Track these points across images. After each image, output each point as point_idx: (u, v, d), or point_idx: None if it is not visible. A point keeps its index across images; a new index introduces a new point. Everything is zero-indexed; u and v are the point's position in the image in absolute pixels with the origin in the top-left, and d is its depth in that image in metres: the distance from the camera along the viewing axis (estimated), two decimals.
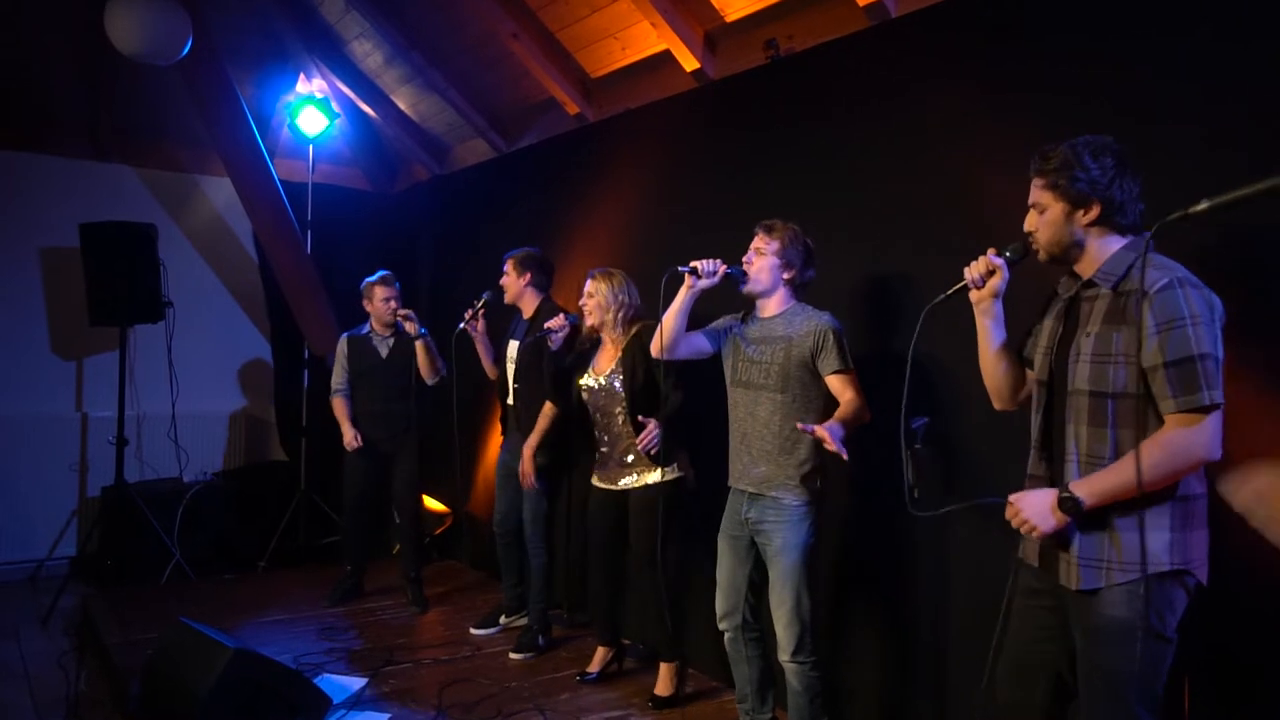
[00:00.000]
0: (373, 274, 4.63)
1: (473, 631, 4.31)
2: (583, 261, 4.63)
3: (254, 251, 6.11)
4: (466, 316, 4.09)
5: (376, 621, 4.48)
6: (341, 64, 5.71)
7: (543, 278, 4.13)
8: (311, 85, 6.00)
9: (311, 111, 5.78)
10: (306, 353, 6.00)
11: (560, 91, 4.57)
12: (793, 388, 2.79)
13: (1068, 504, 1.86)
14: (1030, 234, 2.02)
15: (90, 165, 5.61)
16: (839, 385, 2.78)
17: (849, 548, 3.17)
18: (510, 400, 4.12)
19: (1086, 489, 1.84)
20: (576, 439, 3.93)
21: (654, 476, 3.43)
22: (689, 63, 3.85)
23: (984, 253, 2.11)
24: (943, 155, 2.91)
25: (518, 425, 4.04)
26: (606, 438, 3.56)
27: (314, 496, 5.82)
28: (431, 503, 5.75)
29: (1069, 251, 1.97)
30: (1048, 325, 2.08)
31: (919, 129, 2.99)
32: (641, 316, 3.56)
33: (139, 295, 5.04)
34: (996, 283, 2.10)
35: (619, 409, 3.50)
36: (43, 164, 5.45)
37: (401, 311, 4.50)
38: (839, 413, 2.72)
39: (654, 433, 3.35)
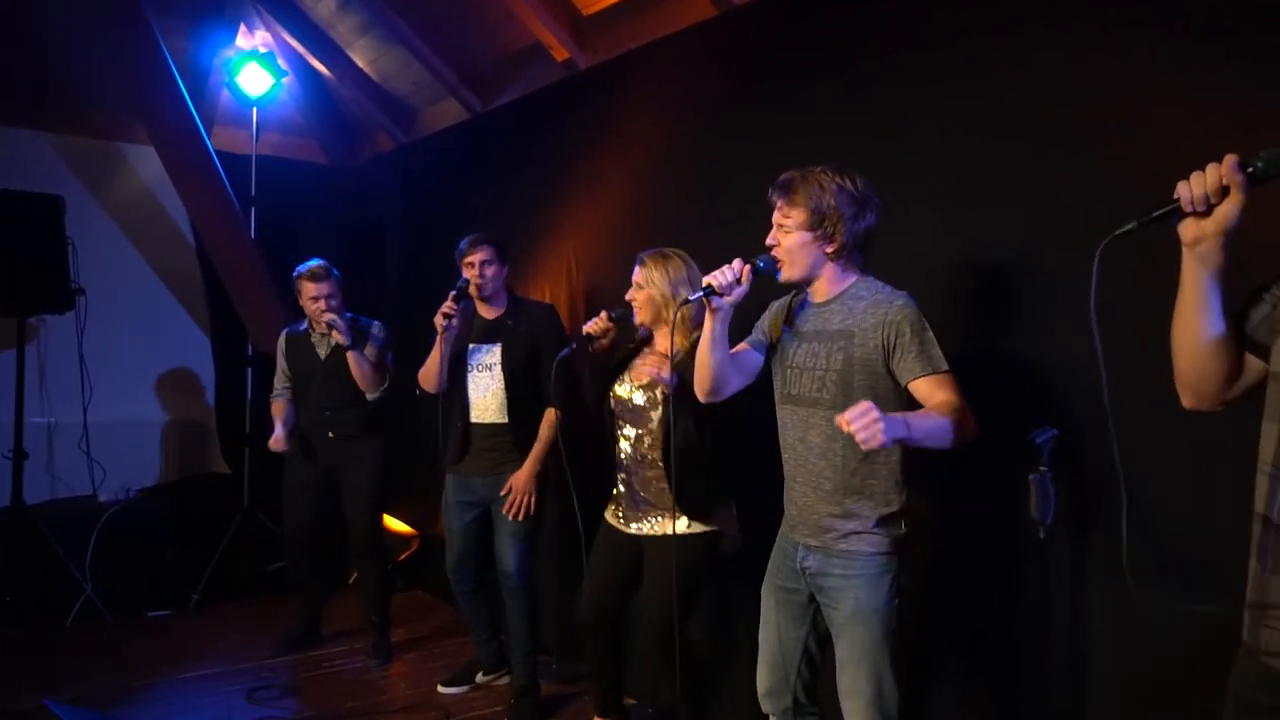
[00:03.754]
0: (305, 263, 3.82)
1: (441, 690, 3.53)
2: (574, 239, 3.88)
3: (191, 234, 5.30)
4: (449, 310, 3.16)
5: (325, 676, 3.70)
6: (288, 12, 4.94)
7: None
8: (254, 39, 5.22)
9: (254, 69, 4.98)
10: (251, 349, 5.23)
11: (547, 33, 3.81)
12: (855, 402, 2.00)
13: None
14: None
15: None
16: (927, 390, 1.97)
17: (942, 608, 2.39)
18: (475, 419, 3.32)
19: None
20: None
21: (679, 525, 2.58)
22: None
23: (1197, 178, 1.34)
24: (1075, 93, 2.15)
25: (515, 445, 3.24)
26: (628, 463, 2.76)
27: (260, 515, 5.01)
28: (394, 523, 4.97)
29: None
30: None
31: (1037, 54, 2.22)
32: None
33: (41, 280, 4.26)
34: (1230, 210, 1.32)
35: (646, 431, 2.71)
36: None
37: (325, 317, 3.67)
38: (923, 410, 1.93)
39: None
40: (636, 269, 2.74)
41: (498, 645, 3.55)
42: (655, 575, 2.66)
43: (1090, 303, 1.42)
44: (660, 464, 2.64)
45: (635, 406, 2.74)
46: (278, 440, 3.78)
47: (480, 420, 3.31)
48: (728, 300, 2.01)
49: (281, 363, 3.96)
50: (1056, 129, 2.17)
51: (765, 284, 2.10)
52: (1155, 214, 1.39)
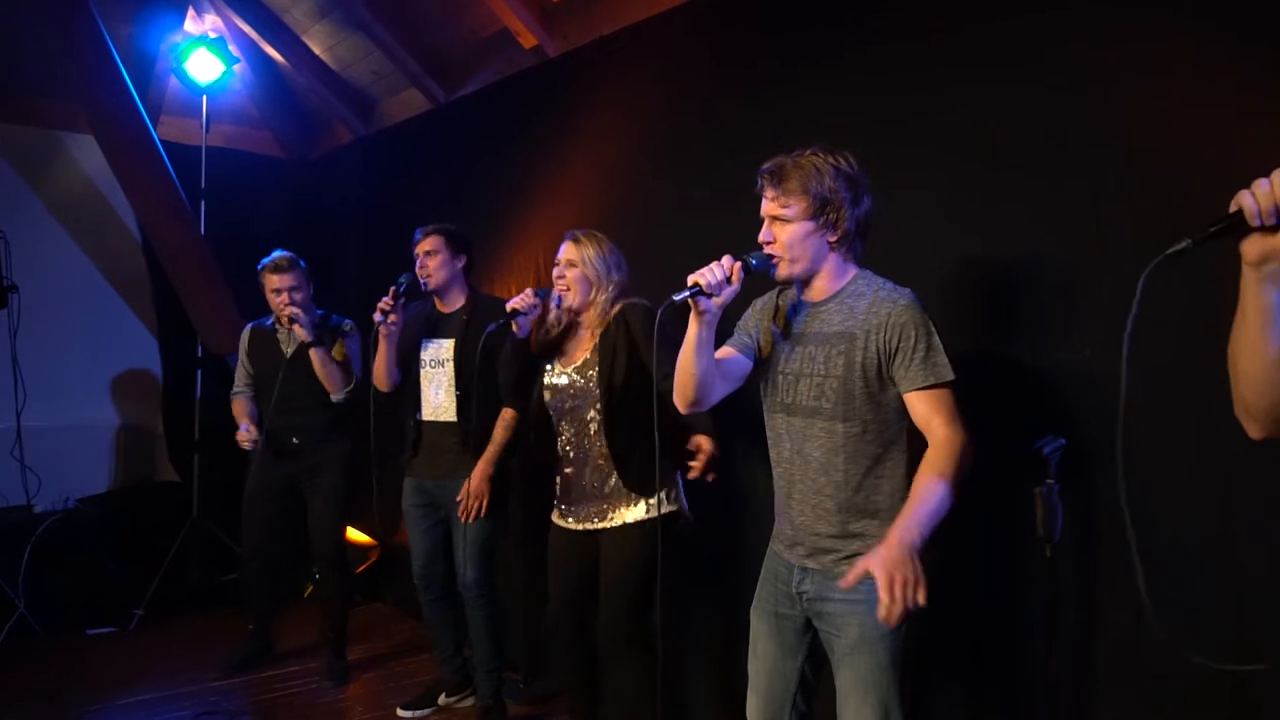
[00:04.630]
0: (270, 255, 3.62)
1: (401, 714, 3.32)
2: (543, 236, 3.69)
3: (137, 229, 5.02)
4: (384, 308, 2.99)
5: (278, 700, 3.47)
6: None
7: (471, 261, 3.22)
8: (204, 23, 4.97)
9: (203, 55, 4.73)
10: (201, 351, 4.96)
11: (514, 19, 3.62)
12: (859, 412, 1.85)
13: None
14: None
15: None
16: (924, 407, 1.81)
17: (943, 631, 2.23)
18: (427, 417, 3.15)
19: None
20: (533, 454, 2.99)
21: (635, 512, 2.52)
22: None
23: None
24: (1097, 75, 2.01)
25: (465, 446, 3.04)
26: (573, 454, 2.62)
27: (210, 524, 4.78)
28: (353, 533, 4.74)
29: None
30: None
31: (1048, 39, 2.08)
32: (626, 294, 2.64)
33: None
34: None
35: (593, 414, 2.57)
36: None
37: (289, 310, 3.46)
38: (928, 467, 1.75)
39: (710, 456, 2.40)
40: (566, 246, 2.63)
41: (462, 663, 3.36)
42: (614, 567, 2.52)
43: (1126, 329, 1.24)
44: (608, 448, 2.53)
45: (574, 392, 2.60)
46: (246, 435, 3.54)
47: (432, 419, 3.14)
48: (716, 302, 1.82)
49: (243, 358, 3.75)
50: (1069, 120, 2.02)
51: (751, 283, 1.93)
52: (1213, 229, 1.21)
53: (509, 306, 2.62)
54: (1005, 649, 2.15)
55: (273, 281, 3.51)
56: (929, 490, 1.72)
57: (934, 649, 2.17)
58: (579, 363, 2.62)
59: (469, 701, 3.32)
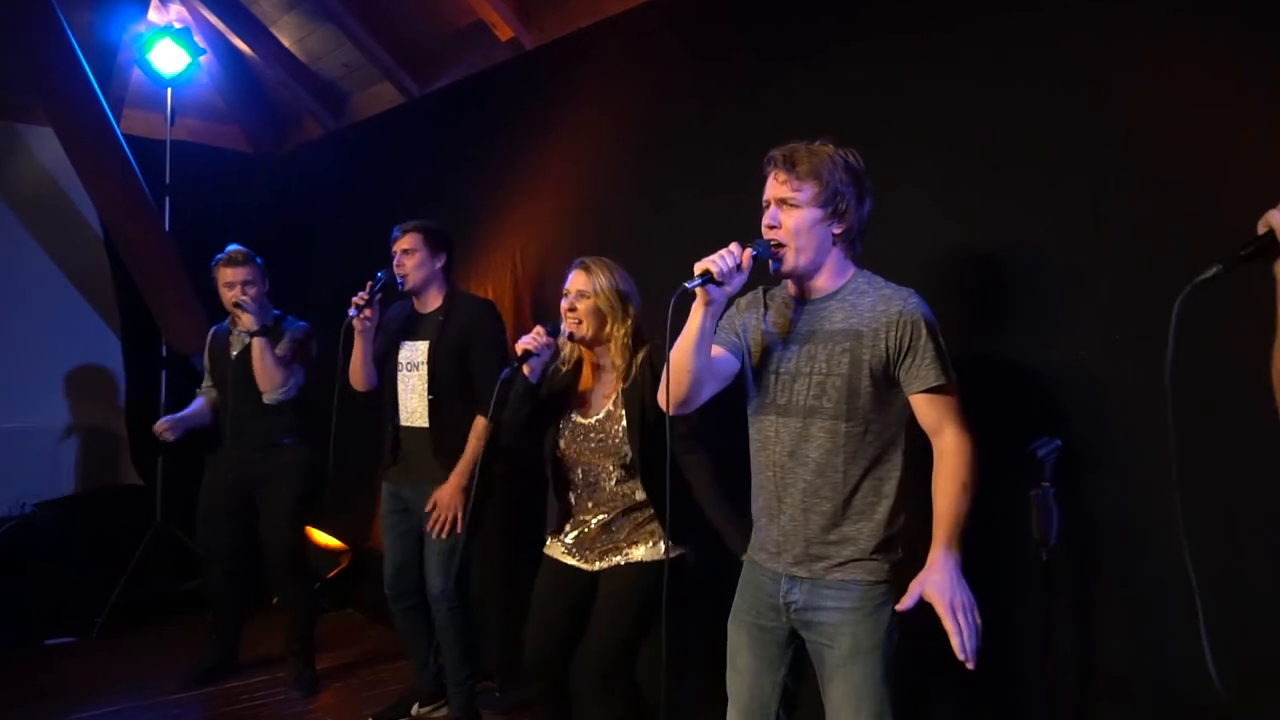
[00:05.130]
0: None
1: None
2: (520, 234, 3.60)
3: (99, 225, 4.86)
4: (358, 302, 2.91)
5: (243, 712, 3.37)
6: None
7: (451, 260, 3.11)
8: (168, 13, 4.83)
9: (168, 46, 4.58)
10: (165, 350, 4.81)
11: (490, 11, 3.54)
12: (862, 411, 1.79)
13: None
14: None
15: None
16: (933, 411, 1.77)
17: (935, 638, 2.17)
18: (404, 422, 3.06)
19: None
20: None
21: (644, 550, 2.39)
22: None
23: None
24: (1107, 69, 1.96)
25: (434, 453, 2.95)
26: (591, 503, 2.47)
27: (174, 529, 4.62)
28: (322, 538, 4.62)
29: None
30: None
31: (1048, 33, 2.03)
32: (644, 331, 2.48)
33: None
34: None
35: (612, 463, 2.42)
36: None
37: (240, 298, 3.36)
38: (951, 478, 1.74)
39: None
40: (576, 275, 2.44)
41: (436, 671, 3.26)
42: (613, 602, 2.40)
43: (1166, 365, 1.19)
44: (643, 495, 2.38)
45: (596, 444, 2.43)
46: (160, 425, 3.54)
47: (408, 424, 3.04)
48: (725, 290, 1.75)
49: (206, 360, 3.71)
50: (1067, 116, 1.98)
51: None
52: (1243, 253, 1.19)
53: (519, 348, 2.39)
54: (999, 656, 2.09)
55: (225, 275, 3.42)
56: (958, 503, 1.73)
57: (927, 657, 2.10)
58: (601, 414, 2.44)
59: (443, 712, 3.22)
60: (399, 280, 2.99)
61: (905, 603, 1.71)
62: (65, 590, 4.25)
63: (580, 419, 2.46)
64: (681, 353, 1.81)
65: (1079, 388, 1.92)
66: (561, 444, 2.49)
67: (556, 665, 2.52)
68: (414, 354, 3.03)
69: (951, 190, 2.20)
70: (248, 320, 3.33)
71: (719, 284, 1.72)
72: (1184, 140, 1.78)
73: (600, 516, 2.44)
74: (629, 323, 2.41)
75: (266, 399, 3.41)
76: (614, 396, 2.42)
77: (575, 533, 2.49)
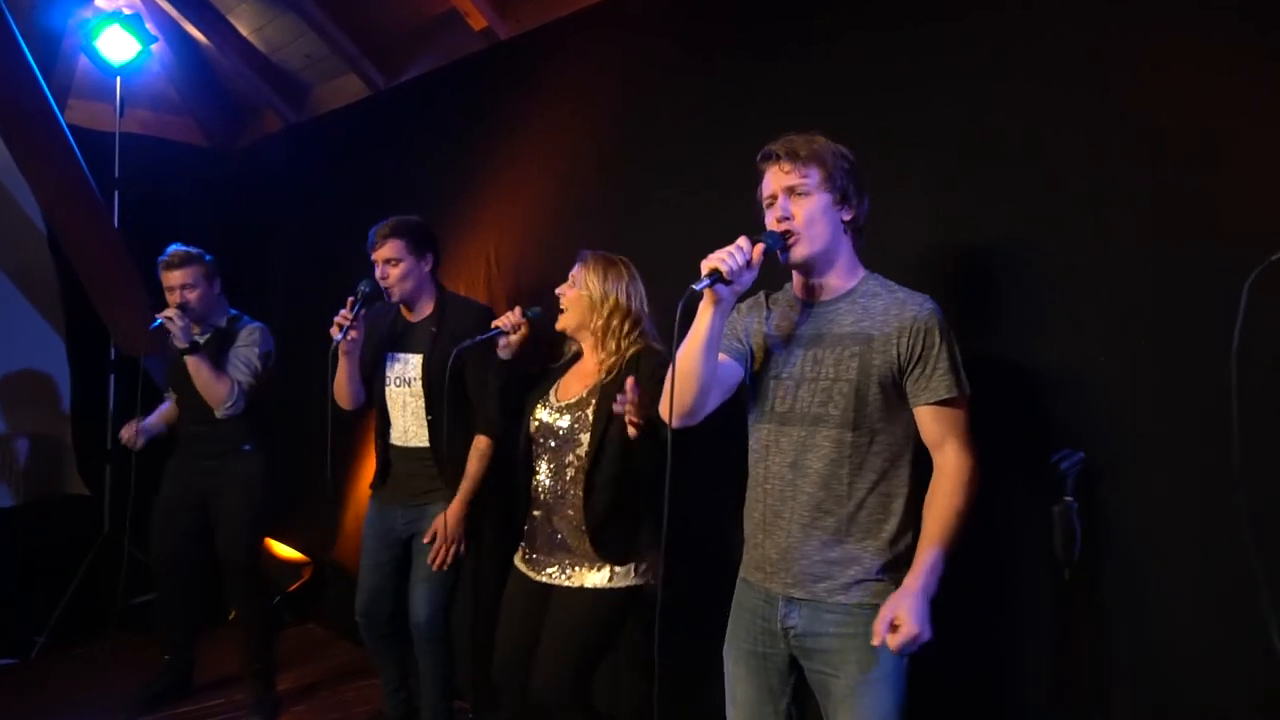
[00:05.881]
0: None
1: None
2: (494, 233, 3.46)
3: (41, 220, 4.63)
4: (342, 323, 2.65)
5: None
6: None
7: (438, 259, 2.94)
8: None
9: (117, 33, 4.36)
10: (114, 353, 4.61)
11: None
12: (870, 420, 1.69)
13: None
14: None
15: None
16: (939, 425, 1.67)
17: (948, 663, 2.04)
18: (397, 441, 2.88)
19: None
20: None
21: (596, 577, 2.29)
22: None
23: None
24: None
25: (437, 475, 2.78)
26: (545, 497, 2.39)
27: (123, 540, 4.37)
28: (282, 550, 4.43)
29: None
30: None
31: (1050, 27, 1.94)
32: (648, 334, 2.39)
33: None
34: None
35: (572, 458, 2.34)
36: None
37: (165, 313, 3.12)
38: (943, 500, 1.64)
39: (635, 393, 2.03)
40: (576, 266, 2.42)
41: (407, 695, 3.09)
42: (556, 634, 2.29)
43: (1232, 353, 1.09)
44: (583, 502, 2.29)
45: (561, 430, 2.37)
46: (126, 431, 3.44)
47: (400, 443, 2.87)
48: (735, 289, 1.65)
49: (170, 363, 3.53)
50: (1079, 110, 1.88)
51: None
52: None
53: (495, 325, 2.42)
54: (1015, 683, 1.98)
55: (166, 279, 3.25)
56: (948, 527, 1.62)
57: (941, 683, 1.99)
58: (574, 398, 2.38)
59: None
60: (386, 292, 2.80)
61: (876, 640, 1.58)
62: (4, 608, 4.05)
63: (554, 400, 2.42)
64: (689, 357, 1.69)
65: (1102, 395, 1.81)
66: (533, 426, 2.44)
67: (520, 680, 2.40)
68: (405, 369, 2.85)
69: (946, 190, 2.10)
70: (176, 337, 3.10)
71: (728, 283, 1.62)
72: (1191, 133, 1.70)
73: (551, 516, 2.37)
74: (617, 320, 2.34)
75: (218, 414, 3.22)
76: (591, 385, 2.37)
77: (534, 540, 2.42)
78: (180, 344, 3.11)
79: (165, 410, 3.57)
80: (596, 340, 2.38)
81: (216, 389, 3.17)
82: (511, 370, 2.52)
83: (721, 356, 1.80)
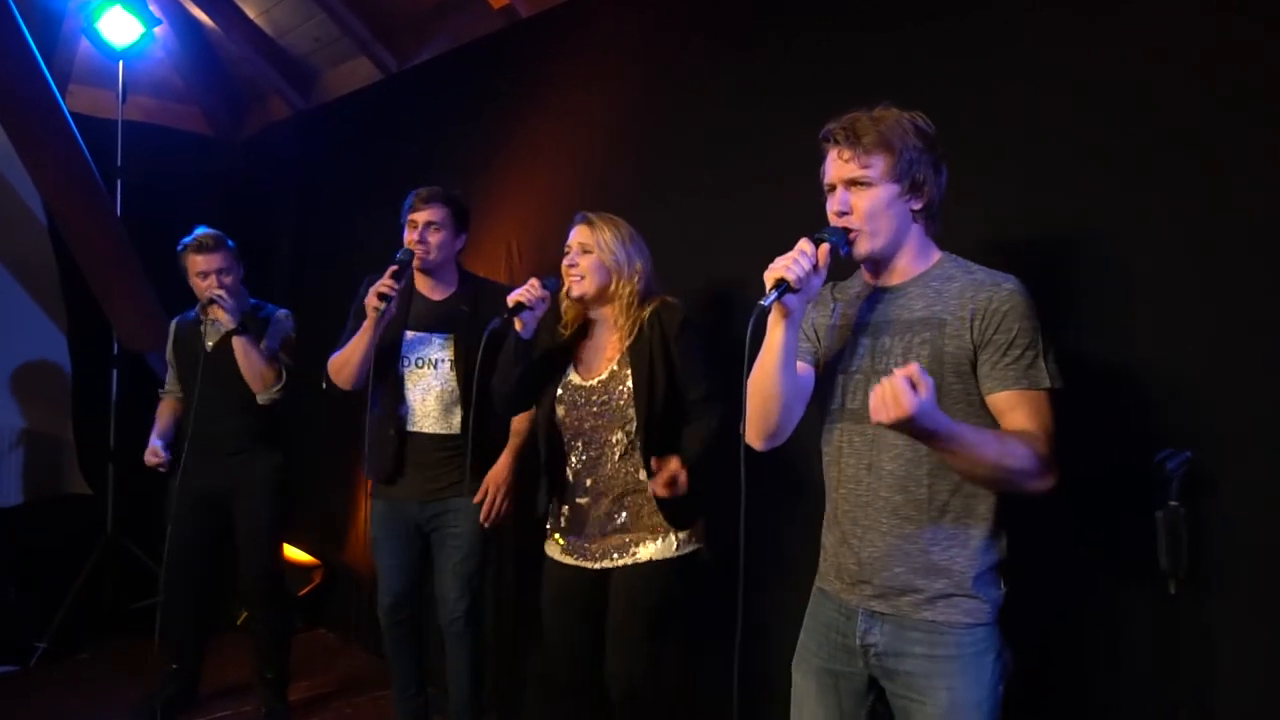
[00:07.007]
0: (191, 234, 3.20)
1: None
2: (514, 221, 3.33)
3: (42, 211, 4.55)
4: (387, 290, 2.53)
5: None
6: None
7: (466, 242, 2.84)
8: None
9: (119, 15, 4.26)
10: (117, 348, 4.55)
11: None
12: (950, 413, 1.50)
13: None
14: None
15: None
16: (1011, 418, 1.47)
17: (1049, 691, 1.74)
18: (414, 427, 2.73)
19: None
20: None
21: (654, 548, 2.20)
22: None
23: None
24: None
25: (473, 463, 2.62)
26: (590, 483, 2.27)
27: (126, 542, 4.38)
28: (294, 552, 4.30)
29: None
30: None
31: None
32: (655, 290, 2.30)
33: None
34: None
35: (618, 435, 2.23)
36: None
37: (214, 292, 3.04)
38: (1000, 435, 1.46)
39: (676, 474, 2.11)
40: (579, 229, 2.28)
41: (424, 702, 2.94)
42: (631, 611, 2.21)
43: None
44: (632, 475, 2.22)
45: (596, 409, 2.24)
46: (152, 455, 3.17)
47: (421, 430, 2.72)
48: (805, 297, 1.51)
49: (169, 355, 3.38)
50: (1181, 97, 1.72)
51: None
52: None
53: (511, 299, 2.24)
54: (1121, 710, 1.81)
55: (198, 263, 3.09)
56: (991, 436, 1.43)
57: (1039, 714, 1.82)
58: (604, 374, 2.26)
59: None
60: (422, 259, 2.67)
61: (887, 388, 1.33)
62: (3, 613, 3.95)
63: (580, 380, 2.28)
64: (766, 377, 1.56)
65: (1211, 387, 1.65)
66: (560, 410, 2.30)
67: (590, 685, 2.29)
68: (432, 349, 2.71)
69: (1038, 180, 1.93)
70: (224, 317, 3.01)
71: (795, 291, 1.48)
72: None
73: (600, 500, 2.25)
74: (636, 280, 2.25)
75: (261, 399, 3.12)
76: (618, 356, 2.24)
77: (578, 528, 2.29)
78: (230, 324, 3.01)
79: (165, 412, 3.39)
80: (621, 306, 2.25)
81: (266, 371, 3.08)
82: (530, 352, 2.32)
83: (799, 365, 1.65)
